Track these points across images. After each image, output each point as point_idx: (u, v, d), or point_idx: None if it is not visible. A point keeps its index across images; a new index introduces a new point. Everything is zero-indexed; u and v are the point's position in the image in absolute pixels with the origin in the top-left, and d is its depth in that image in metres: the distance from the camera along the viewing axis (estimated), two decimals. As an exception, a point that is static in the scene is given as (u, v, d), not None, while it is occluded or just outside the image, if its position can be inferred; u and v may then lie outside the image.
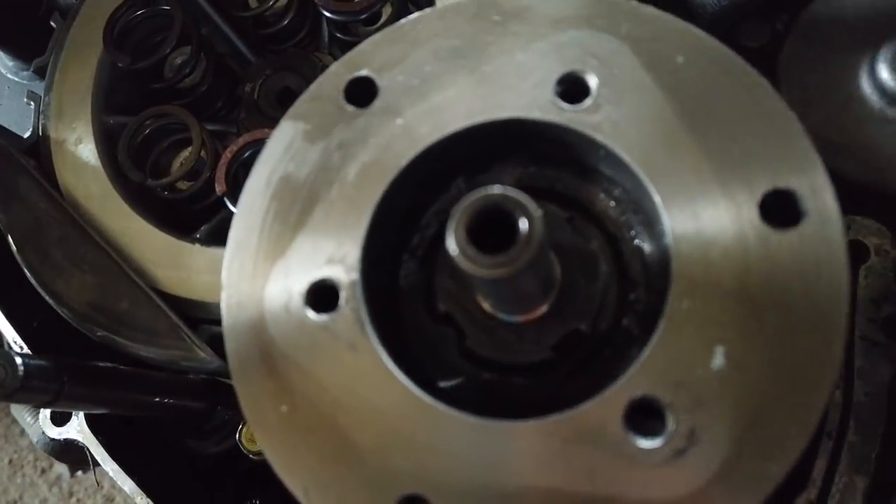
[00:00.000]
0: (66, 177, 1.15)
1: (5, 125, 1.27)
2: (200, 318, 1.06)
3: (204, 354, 1.00)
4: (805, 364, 0.60)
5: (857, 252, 0.97)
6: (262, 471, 1.24)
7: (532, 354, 0.73)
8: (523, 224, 0.58)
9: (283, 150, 0.76)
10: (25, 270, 1.07)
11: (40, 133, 1.19)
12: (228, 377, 1.10)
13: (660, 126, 0.69)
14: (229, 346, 0.71)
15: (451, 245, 0.59)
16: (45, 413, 1.20)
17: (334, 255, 0.71)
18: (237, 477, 1.31)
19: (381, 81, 0.76)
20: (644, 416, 0.62)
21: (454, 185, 0.81)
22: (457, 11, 0.77)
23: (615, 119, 0.70)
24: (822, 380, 0.60)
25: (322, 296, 0.70)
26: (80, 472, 2.51)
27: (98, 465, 1.18)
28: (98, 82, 1.20)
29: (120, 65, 1.18)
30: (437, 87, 0.74)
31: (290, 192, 0.74)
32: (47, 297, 1.06)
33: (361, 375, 0.67)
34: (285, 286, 0.71)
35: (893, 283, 0.98)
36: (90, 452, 1.16)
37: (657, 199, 0.67)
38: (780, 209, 0.64)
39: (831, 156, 0.67)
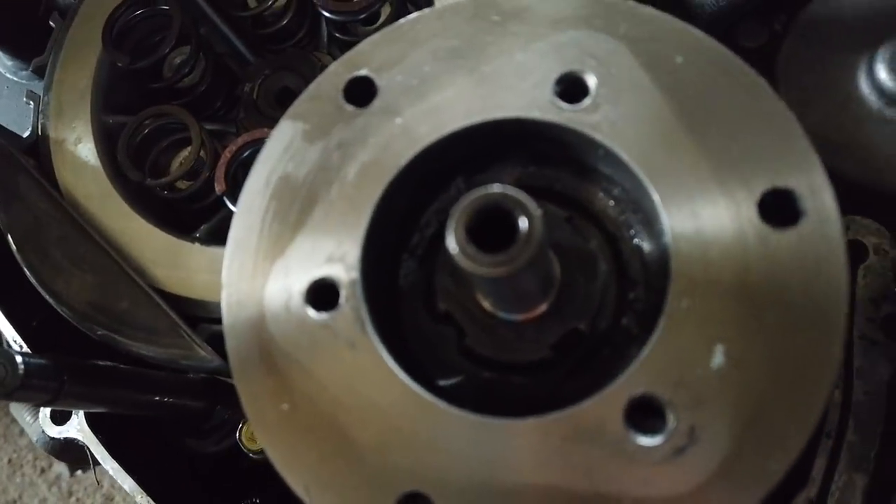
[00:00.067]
0: (66, 176, 1.15)
1: (4, 125, 1.27)
2: (200, 316, 1.06)
3: (204, 353, 1.00)
4: (805, 362, 0.60)
5: (855, 252, 0.97)
6: (261, 470, 1.24)
7: (531, 353, 0.73)
8: (523, 223, 0.58)
9: (282, 149, 0.76)
10: (25, 270, 1.07)
11: (40, 132, 1.19)
12: (228, 376, 1.10)
13: (658, 125, 0.69)
14: (230, 344, 0.71)
15: (451, 244, 0.59)
16: (45, 412, 1.20)
17: (334, 253, 0.71)
18: (237, 476, 1.31)
19: (380, 81, 0.76)
20: (644, 414, 0.62)
21: (453, 184, 0.81)
22: (456, 11, 0.77)
23: (614, 118, 0.70)
24: (822, 378, 0.60)
25: (322, 294, 0.70)
26: (79, 472, 2.51)
27: (98, 463, 1.18)
28: (97, 82, 1.20)
29: (119, 64, 1.18)
30: (437, 86, 0.75)
31: (290, 192, 0.74)
32: (47, 297, 1.06)
33: (361, 373, 0.67)
34: (285, 285, 0.71)
35: (892, 282, 0.98)
36: (90, 451, 1.16)
37: (656, 198, 0.67)
38: (779, 208, 0.64)
39: (830, 156, 0.67)
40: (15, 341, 1.20)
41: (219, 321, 1.05)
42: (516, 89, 0.72)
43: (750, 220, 0.64)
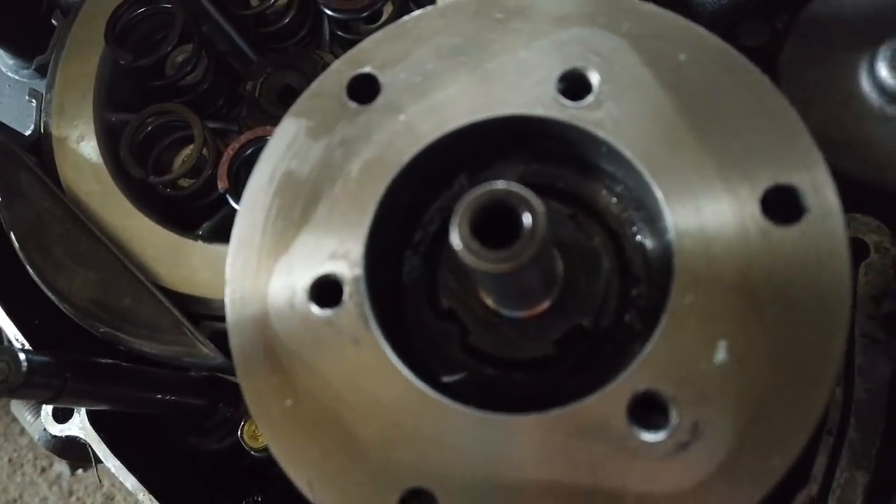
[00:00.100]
0: (68, 174, 1.15)
1: (6, 123, 1.27)
2: (202, 314, 1.06)
3: (206, 350, 1.00)
4: (807, 357, 0.61)
5: (856, 249, 0.97)
6: (263, 468, 1.25)
7: (534, 350, 0.74)
8: (527, 219, 0.58)
9: (285, 146, 0.76)
10: (28, 267, 1.08)
11: (42, 130, 1.19)
12: (231, 373, 1.10)
13: (661, 123, 0.69)
14: (233, 341, 0.71)
15: (456, 240, 0.59)
16: (47, 410, 1.20)
17: (337, 250, 0.72)
18: (238, 474, 1.31)
19: (383, 78, 0.76)
20: (647, 410, 0.62)
21: (457, 181, 0.81)
22: (459, 9, 0.77)
23: (617, 116, 0.70)
24: (825, 373, 0.60)
25: (325, 291, 0.71)
26: (80, 471, 2.51)
27: (100, 462, 1.18)
28: (99, 79, 1.20)
29: (121, 62, 1.18)
30: (440, 84, 0.75)
31: (293, 189, 0.75)
32: (50, 294, 1.06)
33: (365, 370, 0.67)
34: (289, 282, 0.71)
35: (893, 280, 0.99)
36: (92, 449, 1.16)
37: (659, 194, 0.67)
38: (782, 205, 0.64)
39: (831, 154, 0.67)
40: (17, 339, 1.20)
41: (221, 318, 1.06)
42: (519, 86, 0.73)
43: (753, 216, 0.64)
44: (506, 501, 0.63)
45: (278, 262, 0.72)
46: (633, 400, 0.63)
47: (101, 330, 1.04)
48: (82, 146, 1.17)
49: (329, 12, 1.19)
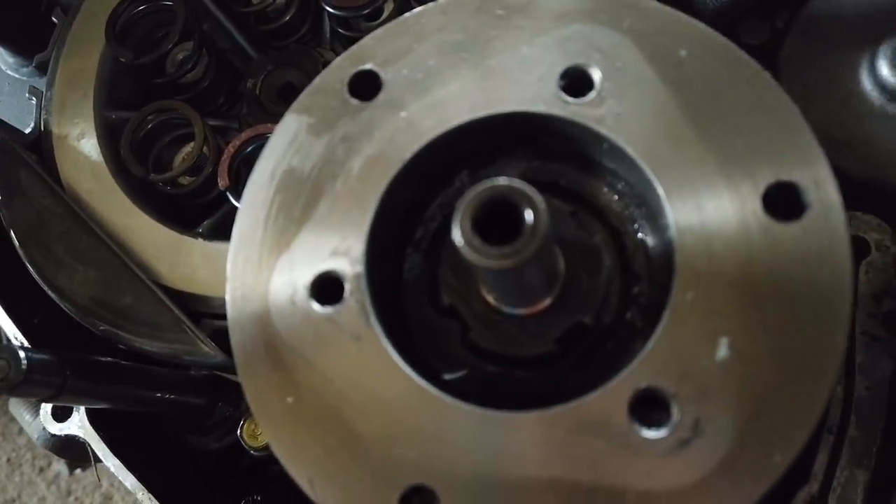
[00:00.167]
0: (68, 171, 1.15)
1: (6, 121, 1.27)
2: (203, 312, 1.06)
3: (207, 349, 1.00)
4: (809, 354, 0.61)
5: (857, 248, 0.97)
6: (262, 467, 1.24)
7: (536, 347, 0.74)
8: (529, 215, 0.58)
9: (287, 143, 0.76)
10: (28, 265, 1.07)
11: (42, 128, 1.19)
12: (231, 372, 1.10)
13: (663, 119, 0.69)
14: (234, 338, 0.71)
15: (457, 236, 0.59)
16: (47, 409, 1.20)
17: (339, 247, 0.72)
18: (238, 473, 1.31)
19: (385, 75, 0.76)
20: (649, 407, 0.62)
21: (458, 178, 0.81)
22: (460, 5, 0.77)
23: (619, 112, 0.70)
24: (826, 369, 0.60)
25: (327, 288, 0.70)
26: (78, 470, 2.51)
27: (99, 461, 1.18)
28: (100, 77, 1.20)
29: (122, 60, 1.18)
30: (441, 80, 0.75)
31: (295, 186, 0.74)
32: (50, 293, 1.06)
33: (366, 367, 0.67)
34: (290, 279, 0.71)
35: (894, 278, 0.99)
36: (91, 448, 1.16)
37: (661, 191, 0.67)
38: (784, 201, 0.64)
39: (832, 152, 0.67)
40: (16, 338, 1.20)
41: (221, 317, 1.06)
42: (521, 83, 0.73)
43: (754, 212, 0.64)
44: (507, 498, 0.63)
45: (279, 259, 0.72)
46: (635, 397, 0.62)
47: (102, 328, 1.03)
48: (83, 144, 1.17)
49: (330, 10, 1.19)
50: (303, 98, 0.78)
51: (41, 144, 1.19)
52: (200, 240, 1.10)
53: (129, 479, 1.13)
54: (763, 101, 0.68)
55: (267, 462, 1.18)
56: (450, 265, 0.76)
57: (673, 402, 0.61)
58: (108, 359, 1.07)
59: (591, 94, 0.71)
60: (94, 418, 1.16)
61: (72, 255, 1.06)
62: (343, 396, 0.67)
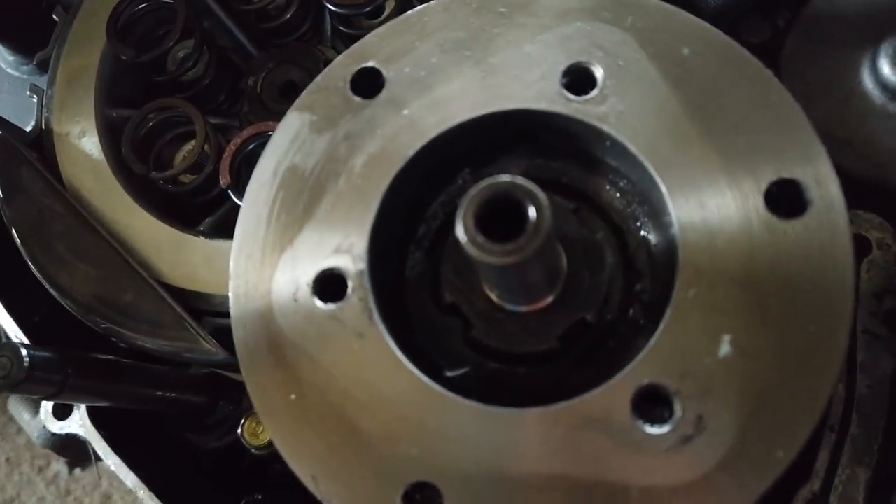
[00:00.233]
0: (70, 169, 1.15)
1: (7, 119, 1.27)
2: (204, 310, 1.06)
3: (209, 346, 1.00)
4: (811, 350, 0.61)
5: (858, 246, 0.97)
6: (263, 466, 1.24)
7: (538, 345, 0.74)
8: (532, 212, 0.58)
9: (289, 140, 0.76)
10: (30, 263, 1.07)
11: (43, 126, 1.19)
12: (233, 370, 1.10)
13: (666, 117, 0.69)
14: (237, 335, 0.71)
15: (461, 232, 0.59)
16: (47, 407, 1.20)
17: (341, 245, 0.72)
18: (239, 472, 1.31)
19: (387, 73, 0.76)
20: (651, 403, 0.63)
21: (460, 176, 0.81)
22: (463, 3, 0.77)
23: (621, 110, 0.70)
24: (828, 366, 0.60)
25: (330, 285, 0.71)
26: (77, 470, 2.51)
27: (100, 459, 1.18)
28: (101, 75, 1.20)
29: (123, 58, 1.17)
30: (444, 78, 0.75)
31: (298, 183, 0.75)
32: (52, 290, 1.05)
33: (369, 364, 0.67)
34: (293, 276, 0.71)
35: (895, 276, 0.99)
36: (92, 447, 1.16)
37: (663, 188, 0.67)
38: (786, 198, 0.65)
39: (833, 151, 0.67)
40: (16, 336, 1.20)
41: (223, 315, 1.05)
42: (523, 81, 0.73)
43: (757, 210, 0.65)
44: (510, 495, 0.63)
45: (282, 256, 0.72)
46: (637, 393, 0.63)
47: (103, 326, 1.03)
48: (84, 142, 1.16)
49: (331, 7, 1.19)
50: (305, 96, 0.78)
51: (42, 142, 1.19)
52: (202, 238, 1.09)
53: (129, 478, 1.13)
54: (765, 99, 0.68)
55: (268, 461, 1.18)
56: (452, 263, 0.76)
57: (675, 398, 0.62)
58: (110, 357, 1.07)
59: (594, 92, 0.71)
60: (95, 417, 1.16)
61: (73, 252, 1.06)
62: (346, 393, 0.67)
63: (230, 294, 0.72)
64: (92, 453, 1.18)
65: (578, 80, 0.72)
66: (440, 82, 0.75)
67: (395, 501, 0.63)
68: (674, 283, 0.65)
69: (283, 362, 0.69)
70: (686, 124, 0.69)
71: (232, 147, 1.10)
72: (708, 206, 0.66)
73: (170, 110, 1.17)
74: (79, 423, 1.17)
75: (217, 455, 1.29)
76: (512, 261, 0.58)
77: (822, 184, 0.65)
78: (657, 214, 0.73)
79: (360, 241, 0.71)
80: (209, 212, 1.22)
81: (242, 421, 1.13)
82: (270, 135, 0.77)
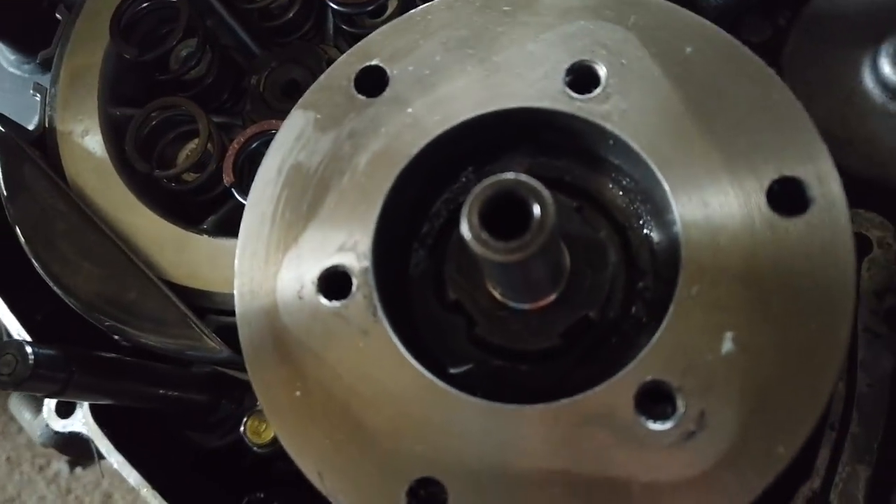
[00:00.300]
0: (73, 168, 1.15)
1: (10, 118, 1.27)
2: (207, 308, 1.06)
3: (213, 344, 1.00)
4: (812, 347, 0.61)
5: (859, 245, 0.97)
6: (265, 464, 1.25)
7: (541, 342, 0.74)
8: (536, 210, 0.58)
9: (294, 138, 0.77)
10: (34, 262, 1.07)
11: (47, 125, 1.19)
12: (236, 367, 1.10)
13: (668, 115, 0.70)
14: (242, 333, 0.72)
15: (466, 230, 0.59)
16: (50, 405, 1.20)
17: (346, 243, 0.72)
18: (241, 470, 1.31)
19: (391, 71, 0.76)
20: (654, 400, 0.63)
21: (463, 174, 0.82)
22: (466, 2, 0.78)
23: (624, 108, 0.71)
24: (830, 363, 0.61)
25: (334, 283, 0.71)
26: (78, 469, 2.51)
27: (102, 457, 1.19)
28: (104, 74, 1.20)
29: (127, 56, 1.18)
30: (447, 76, 0.75)
31: (302, 181, 0.75)
32: (56, 289, 1.06)
33: (374, 360, 0.68)
34: (298, 274, 0.72)
35: None
36: (94, 445, 1.17)
37: (666, 186, 0.68)
38: (788, 196, 0.65)
39: (834, 150, 0.68)
40: (19, 335, 1.20)
41: (226, 313, 1.06)
42: (527, 79, 0.73)
43: (759, 208, 0.65)
44: (513, 490, 0.63)
45: (287, 254, 0.73)
46: (640, 390, 0.63)
47: (107, 323, 1.04)
48: (87, 140, 1.17)
49: (334, 6, 1.19)
50: (309, 94, 0.78)
51: (45, 141, 1.19)
52: (205, 236, 1.10)
53: (132, 476, 1.14)
54: (767, 98, 0.69)
55: (270, 459, 1.18)
56: (455, 261, 0.77)
57: (678, 395, 0.62)
58: (113, 355, 1.07)
59: (597, 91, 0.71)
60: (98, 415, 1.16)
61: (77, 251, 1.06)
62: (351, 390, 0.67)
63: (235, 292, 0.73)
64: (95, 451, 1.18)
65: (581, 78, 0.72)
66: (444, 81, 0.75)
67: (399, 497, 0.63)
68: (676, 281, 0.65)
69: (288, 359, 0.69)
70: (688, 122, 0.69)
71: (235, 146, 1.10)
72: (710, 204, 0.66)
73: (173, 109, 1.18)
74: (82, 421, 1.18)
75: (219, 453, 1.29)
76: (516, 258, 0.59)
77: (824, 182, 0.65)
78: (660, 212, 0.73)
79: (364, 239, 0.72)
80: (212, 210, 1.22)
81: (245, 419, 1.14)
82: (273, 133, 0.77)
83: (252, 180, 0.78)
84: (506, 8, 0.76)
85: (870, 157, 1.12)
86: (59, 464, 2.50)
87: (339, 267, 0.71)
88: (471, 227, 0.59)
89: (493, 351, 0.75)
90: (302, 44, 1.30)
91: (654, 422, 0.62)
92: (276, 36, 1.32)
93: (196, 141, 1.16)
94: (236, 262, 0.74)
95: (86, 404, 1.17)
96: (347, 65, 0.78)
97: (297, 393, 0.68)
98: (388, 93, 0.76)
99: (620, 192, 0.78)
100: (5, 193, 1.11)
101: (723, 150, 0.68)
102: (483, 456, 0.64)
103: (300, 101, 0.78)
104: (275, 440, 1.11)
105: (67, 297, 1.05)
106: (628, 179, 0.77)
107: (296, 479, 0.70)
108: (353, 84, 0.77)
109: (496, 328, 0.74)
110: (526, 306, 0.74)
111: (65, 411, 1.19)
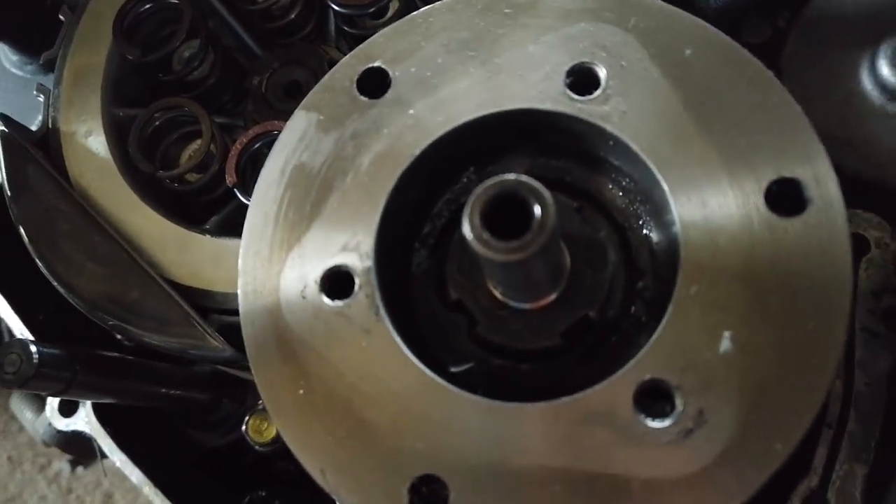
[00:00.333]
0: (76, 168, 1.16)
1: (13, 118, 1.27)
2: (210, 307, 1.07)
3: (216, 343, 1.01)
4: (809, 346, 0.62)
5: (857, 245, 0.98)
6: (267, 462, 1.25)
7: (541, 341, 0.75)
8: (537, 210, 0.59)
9: (297, 139, 0.77)
10: (38, 261, 1.08)
11: (50, 125, 1.20)
12: (239, 366, 1.11)
13: (668, 117, 0.70)
14: (246, 332, 0.72)
15: (467, 230, 0.60)
16: (53, 404, 1.21)
17: (349, 242, 0.73)
18: (243, 469, 1.32)
19: (393, 73, 0.77)
20: (653, 398, 0.64)
21: (465, 175, 0.82)
22: (468, 4, 0.78)
23: (624, 110, 0.71)
24: (826, 361, 0.61)
25: (337, 282, 0.72)
26: (80, 468, 2.51)
27: (105, 456, 1.19)
28: (107, 75, 1.21)
29: (130, 58, 1.18)
30: (449, 78, 0.76)
31: (305, 181, 0.76)
32: (60, 288, 1.06)
33: (376, 359, 0.69)
34: (301, 273, 0.73)
35: (893, 275, 1.00)
36: (97, 443, 1.17)
37: (665, 187, 0.68)
38: (786, 197, 0.66)
39: (832, 151, 0.68)
40: (21, 334, 1.21)
41: (229, 312, 1.06)
42: (528, 81, 0.74)
43: (757, 208, 0.66)
44: (513, 488, 0.64)
45: (290, 254, 0.74)
46: (639, 388, 0.64)
47: (111, 323, 1.04)
48: (90, 141, 1.17)
49: (335, 7, 1.20)
50: (312, 95, 0.79)
51: (49, 141, 1.20)
52: (207, 236, 1.10)
53: (135, 474, 1.14)
54: (765, 99, 0.69)
55: (271, 458, 1.19)
56: (457, 260, 0.77)
57: (677, 393, 0.63)
58: (116, 354, 1.08)
59: (597, 92, 0.72)
60: (101, 414, 1.17)
61: (80, 251, 1.07)
62: (353, 388, 0.68)
63: (239, 291, 0.73)
64: (97, 450, 1.19)
65: (582, 80, 0.73)
66: (445, 82, 0.76)
67: (401, 494, 0.64)
68: (675, 281, 0.66)
69: (291, 358, 0.70)
70: (688, 124, 0.70)
71: (238, 146, 1.11)
72: (709, 205, 0.67)
73: (176, 110, 1.18)
74: (84, 419, 1.18)
75: (221, 452, 1.30)
76: (517, 258, 0.59)
77: (822, 183, 0.66)
78: (659, 213, 0.74)
79: (366, 239, 0.72)
80: (215, 210, 1.23)
81: (246, 418, 1.14)
82: (276, 134, 0.78)
83: (254, 181, 0.78)
84: (507, 10, 0.77)
85: (868, 157, 1.13)
86: (61, 463, 2.51)
87: (342, 267, 0.72)
88: (472, 227, 0.60)
89: (494, 350, 0.76)
90: (304, 45, 1.31)
91: (653, 419, 0.63)
92: (277, 37, 1.33)
93: (199, 141, 1.17)
94: (240, 261, 0.74)
95: (88, 403, 1.18)
96: (350, 66, 0.78)
97: (301, 391, 0.69)
98: (390, 94, 0.77)
99: (620, 193, 0.79)
100: (9, 194, 1.12)
101: (721, 152, 0.68)
102: (484, 453, 0.65)
103: (303, 102, 0.78)
104: (276, 439, 1.12)
105: (71, 296, 1.06)
106: (628, 180, 0.78)
107: (297, 478, 0.70)
108: (355, 85, 0.77)
109: (497, 327, 0.75)
110: (527, 305, 0.74)
111: (67, 410, 1.20)
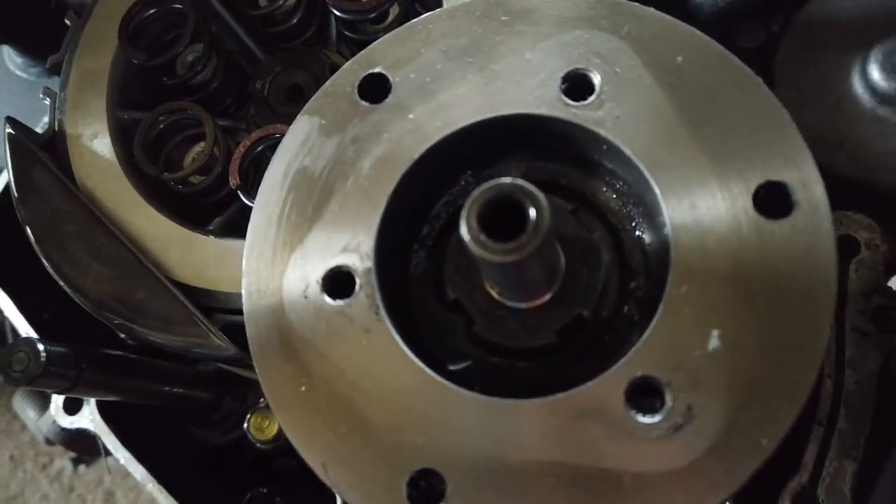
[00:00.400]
0: (82, 171, 1.17)
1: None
2: (213, 307, 1.09)
3: (220, 342, 1.03)
4: (795, 345, 0.64)
5: (848, 246, 1.00)
6: (268, 460, 1.27)
7: (537, 340, 0.77)
8: (532, 213, 0.61)
9: (299, 144, 0.79)
10: (45, 262, 1.10)
11: (56, 128, 1.22)
12: (242, 365, 1.13)
13: (660, 122, 0.72)
14: (250, 331, 0.74)
15: (465, 232, 0.62)
16: (58, 402, 1.23)
17: (349, 244, 0.75)
18: (244, 466, 1.34)
19: (393, 78, 0.79)
20: (644, 394, 0.66)
21: (462, 178, 0.84)
22: (466, 11, 0.80)
23: (617, 115, 0.73)
24: (811, 360, 0.63)
25: (338, 282, 0.74)
26: (81, 467, 2.53)
27: (109, 454, 1.21)
28: (113, 79, 1.22)
29: (135, 62, 1.20)
30: (448, 84, 0.78)
31: (307, 185, 0.78)
32: (66, 288, 1.08)
33: (376, 357, 0.70)
34: (303, 274, 0.74)
35: (883, 276, 1.02)
36: (101, 441, 1.19)
37: (657, 190, 0.70)
38: (773, 200, 0.68)
39: (824, 153, 0.70)
40: (27, 334, 1.23)
41: (232, 311, 1.08)
42: (524, 86, 0.76)
43: (745, 211, 0.68)
44: (510, 481, 0.66)
45: (293, 255, 0.75)
46: (631, 385, 0.66)
47: (116, 322, 1.06)
48: (96, 143, 1.19)
49: (337, 13, 1.22)
50: (314, 100, 0.81)
51: (55, 144, 1.22)
52: (211, 237, 1.12)
53: (138, 471, 1.16)
54: (755, 105, 0.71)
55: (272, 455, 1.21)
56: (454, 261, 0.79)
57: (667, 390, 0.65)
58: (121, 353, 1.10)
59: (592, 98, 0.74)
60: (105, 412, 1.19)
61: (86, 251, 1.09)
62: (354, 386, 0.70)
63: (243, 291, 0.75)
64: (101, 447, 1.21)
65: (577, 86, 0.75)
66: (444, 88, 0.78)
67: (400, 487, 0.66)
68: (666, 281, 0.68)
69: (293, 356, 0.72)
70: (679, 129, 0.72)
71: (241, 149, 1.12)
72: (699, 208, 0.69)
73: (180, 113, 1.20)
74: (89, 417, 1.20)
75: (224, 449, 1.32)
76: (513, 259, 0.61)
77: (808, 186, 0.68)
78: (651, 215, 0.76)
79: (367, 241, 0.74)
80: (218, 212, 1.25)
81: (248, 416, 1.16)
82: (278, 137, 0.80)
83: (257, 183, 0.80)
84: (504, 18, 0.79)
85: (859, 160, 1.15)
86: (63, 462, 2.53)
87: (343, 267, 0.74)
88: (470, 229, 0.62)
89: (491, 348, 0.78)
90: (305, 49, 1.33)
91: (644, 415, 0.65)
92: (279, 41, 1.35)
93: (202, 144, 1.19)
94: (244, 262, 0.76)
95: (93, 401, 1.20)
96: (351, 72, 0.80)
97: (303, 388, 0.71)
98: (390, 99, 0.79)
99: (614, 196, 0.81)
100: (17, 195, 1.14)
101: (711, 156, 0.70)
102: (481, 448, 0.67)
103: (305, 107, 0.80)
104: (277, 437, 1.14)
105: (77, 296, 1.08)
106: (621, 183, 0.80)
107: (297, 475, 0.72)
108: (356, 91, 0.79)
109: (494, 326, 0.77)
110: (522, 305, 0.76)
111: (72, 408, 1.22)
